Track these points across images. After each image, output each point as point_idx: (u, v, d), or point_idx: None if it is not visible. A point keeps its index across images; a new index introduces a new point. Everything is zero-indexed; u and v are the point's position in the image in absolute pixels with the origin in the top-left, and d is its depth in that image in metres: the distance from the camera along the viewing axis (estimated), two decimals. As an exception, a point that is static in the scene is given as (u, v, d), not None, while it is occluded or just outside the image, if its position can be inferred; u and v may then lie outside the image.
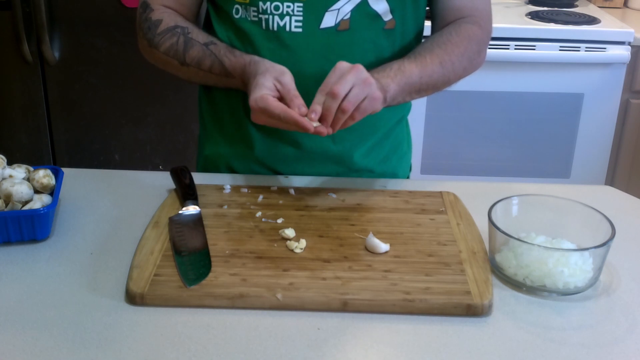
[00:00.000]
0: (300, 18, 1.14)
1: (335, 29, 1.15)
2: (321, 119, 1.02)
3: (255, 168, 1.26)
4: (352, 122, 1.04)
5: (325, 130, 1.02)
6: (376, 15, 1.15)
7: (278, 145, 1.23)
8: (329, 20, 1.14)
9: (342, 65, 1.03)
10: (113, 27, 2.32)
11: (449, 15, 1.21)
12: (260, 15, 1.15)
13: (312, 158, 1.24)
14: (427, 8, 1.25)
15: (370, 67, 1.15)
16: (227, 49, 1.15)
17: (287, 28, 1.14)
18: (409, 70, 1.11)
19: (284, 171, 1.25)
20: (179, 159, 2.46)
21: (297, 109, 1.02)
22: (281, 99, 1.04)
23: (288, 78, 1.05)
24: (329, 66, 1.11)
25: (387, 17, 1.16)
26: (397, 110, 1.30)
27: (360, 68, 1.03)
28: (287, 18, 1.14)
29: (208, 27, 1.25)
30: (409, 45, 1.21)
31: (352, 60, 1.15)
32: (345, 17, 1.14)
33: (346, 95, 1.01)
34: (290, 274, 0.92)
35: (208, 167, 1.32)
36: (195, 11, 1.25)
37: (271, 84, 1.04)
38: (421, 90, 1.15)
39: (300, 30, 1.14)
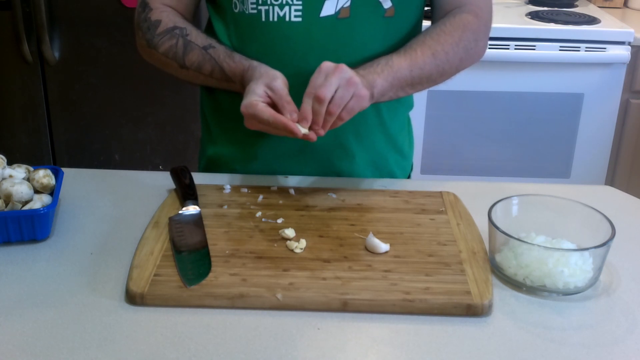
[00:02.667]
0: (300, 7, 1.13)
1: (335, 17, 1.14)
2: (311, 123, 1.03)
3: (259, 167, 1.26)
4: (342, 122, 1.05)
5: (314, 137, 1.03)
6: (376, 3, 1.15)
7: (281, 141, 1.23)
8: (329, 8, 1.14)
9: (326, 65, 1.04)
10: (113, 27, 2.32)
11: (446, 5, 1.21)
12: (259, 7, 1.14)
13: (315, 153, 1.24)
14: (428, 8, 1.25)
15: (370, 55, 1.15)
16: (226, 53, 1.15)
17: (287, 18, 1.14)
18: (397, 64, 1.11)
19: (287, 169, 1.25)
20: (179, 159, 2.46)
21: (288, 115, 1.03)
22: (274, 105, 1.05)
23: (280, 83, 1.06)
24: (330, 55, 1.10)
25: (387, 4, 1.16)
26: (400, 112, 1.30)
27: (343, 68, 1.03)
28: (286, 8, 1.13)
29: (209, 28, 1.25)
30: (409, 34, 1.21)
31: (353, 49, 1.15)
32: (345, 5, 1.14)
33: (332, 97, 1.01)
34: (290, 274, 0.92)
35: (210, 168, 1.32)
36: (193, 11, 1.25)
37: (262, 91, 1.05)
38: (414, 83, 1.15)
39: (300, 19, 1.14)
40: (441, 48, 1.15)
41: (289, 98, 1.05)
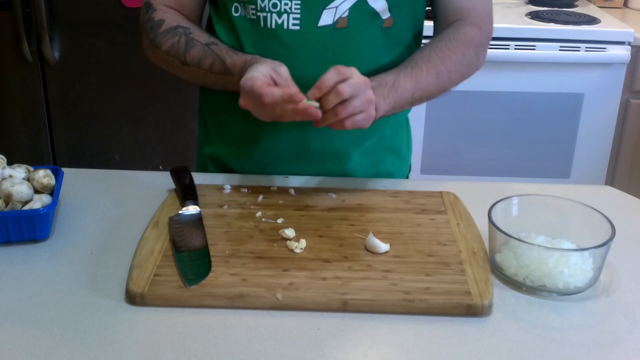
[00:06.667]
0: (298, 16, 1.14)
1: (333, 27, 1.14)
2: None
3: (254, 168, 1.26)
4: (341, 129, 1.04)
5: (316, 111, 1.00)
6: (374, 13, 1.15)
7: (277, 144, 1.23)
8: (326, 18, 1.14)
9: (355, 71, 1.03)
10: (113, 27, 2.32)
11: (449, 16, 1.21)
12: (258, 13, 1.15)
13: (311, 157, 1.24)
14: (429, 8, 1.25)
15: (368, 65, 1.15)
16: (228, 48, 1.15)
17: (285, 26, 1.14)
18: (403, 86, 1.11)
19: (282, 171, 1.25)
20: (179, 159, 2.46)
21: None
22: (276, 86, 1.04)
23: (285, 69, 1.05)
24: (327, 64, 1.10)
25: (385, 15, 1.16)
26: (398, 114, 1.30)
27: (369, 83, 1.04)
28: (284, 16, 1.14)
29: (209, 30, 1.25)
30: (408, 45, 1.21)
31: (350, 59, 1.15)
32: (344, 15, 1.14)
33: (345, 101, 1.00)
34: (290, 274, 0.92)
35: (207, 166, 1.33)
36: (198, 13, 1.25)
37: (267, 71, 1.04)
38: (414, 102, 1.15)
39: (298, 28, 1.14)
40: (445, 67, 1.15)
41: (293, 82, 1.04)
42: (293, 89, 1.02)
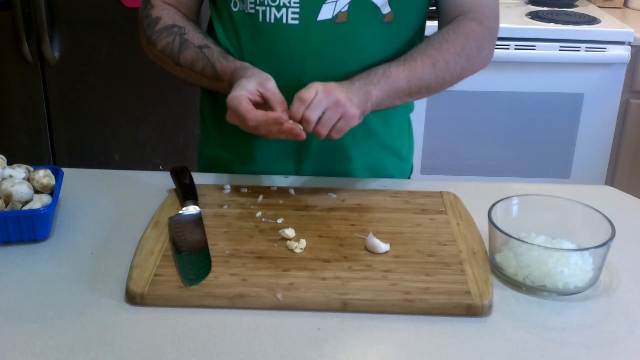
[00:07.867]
0: (297, 10, 1.13)
1: (332, 21, 1.14)
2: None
3: (254, 169, 1.26)
4: (332, 139, 1.06)
5: (300, 131, 1.02)
6: (375, 8, 1.15)
7: (278, 144, 1.23)
8: (326, 12, 1.14)
9: (315, 85, 1.04)
10: (113, 27, 2.32)
11: (451, 11, 1.21)
12: (257, 7, 1.14)
13: (311, 158, 1.24)
14: (433, 8, 1.25)
15: (369, 61, 1.14)
16: (220, 53, 1.15)
17: (284, 20, 1.14)
18: (395, 74, 1.11)
19: (282, 171, 1.25)
20: (179, 159, 2.46)
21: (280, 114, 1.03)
22: (264, 103, 1.05)
23: (272, 84, 1.06)
24: (327, 60, 1.10)
25: (386, 9, 1.15)
26: (400, 114, 1.29)
27: (331, 90, 1.04)
28: (283, 10, 1.13)
29: (209, 29, 1.25)
30: (409, 41, 1.20)
31: (350, 54, 1.15)
32: (343, 10, 1.14)
33: (320, 119, 1.02)
34: (290, 274, 0.92)
35: (207, 167, 1.33)
36: (195, 9, 1.25)
37: (253, 88, 1.05)
38: (412, 93, 1.14)
39: (297, 22, 1.14)
40: (442, 58, 1.14)
41: (282, 99, 1.05)
42: (277, 111, 1.04)
